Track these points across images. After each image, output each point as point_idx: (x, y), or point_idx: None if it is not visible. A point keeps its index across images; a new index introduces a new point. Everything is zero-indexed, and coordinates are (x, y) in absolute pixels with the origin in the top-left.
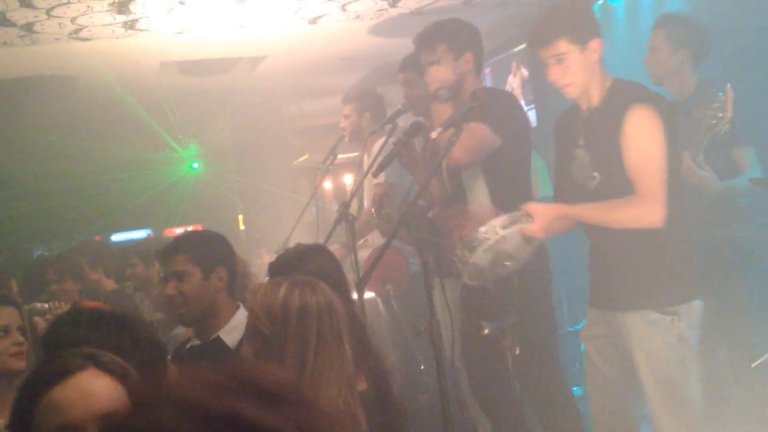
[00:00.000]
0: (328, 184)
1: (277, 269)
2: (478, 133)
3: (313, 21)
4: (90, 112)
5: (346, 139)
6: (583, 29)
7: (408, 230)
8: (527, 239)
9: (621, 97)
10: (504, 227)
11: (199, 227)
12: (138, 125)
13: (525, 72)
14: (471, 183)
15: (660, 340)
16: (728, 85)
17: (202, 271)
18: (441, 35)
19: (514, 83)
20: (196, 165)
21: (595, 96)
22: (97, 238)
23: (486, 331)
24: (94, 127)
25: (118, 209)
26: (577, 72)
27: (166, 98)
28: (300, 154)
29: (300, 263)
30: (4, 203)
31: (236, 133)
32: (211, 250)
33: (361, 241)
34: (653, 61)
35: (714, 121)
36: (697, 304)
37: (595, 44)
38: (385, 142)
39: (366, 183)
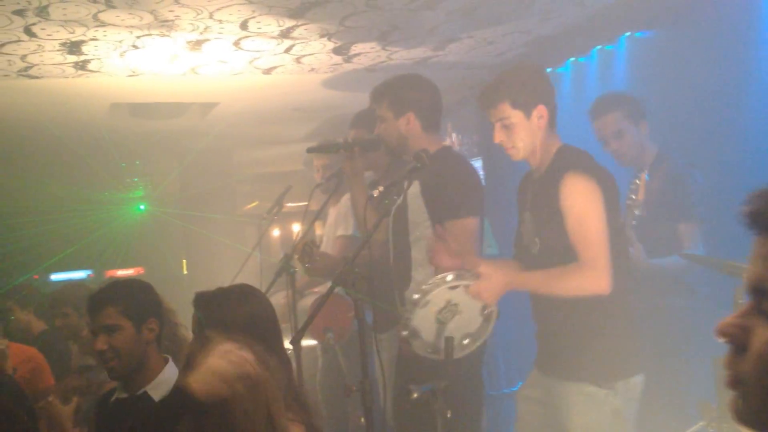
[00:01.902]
0: (276, 233)
1: (204, 311)
2: (470, 231)
3: (268, 71)
4: (37, 150)
5: (322, 189)
6: (527, 96)
7: (344, 288)
8: (487, 318)
9: (560, 164)
10: (449, 282)
11: (141, 270)
12: (85, 165)
13: (455, 136)
14: (418, 244)
15: (594, 414)
16: (644, 173)
17: (133, 323)
18: (385, 92)
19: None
20: (142, 207)
21: (543, 161)
22: (36, 277)
23: (414, 395)
24: (40, 165)
25: (60, 248)
26: (521, 136)
27: (115, 140)
28: (248, 202)
29: (228, 308)
30: None
31: (185, 177)
32: (142, 301)
33: (317, 288)
34: (623, 145)
35: (629, 203)
36: (637, 380)
37: (540, 110)
38: (329, 197)
39: (328, 234)
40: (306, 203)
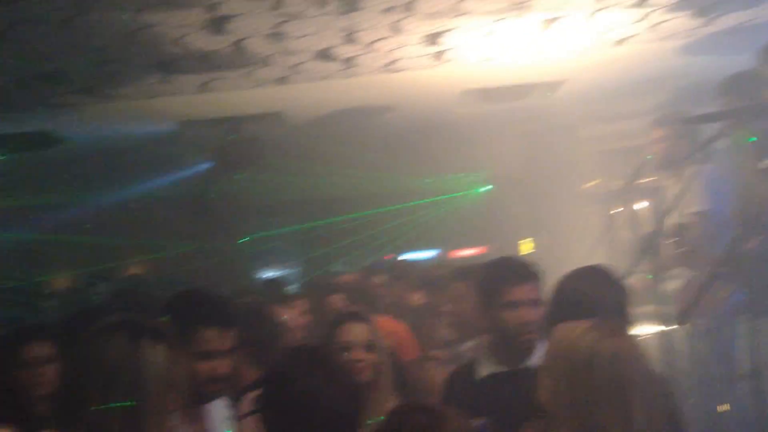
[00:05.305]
0: (625, 209)
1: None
2: None
3: (620, 43)
4: (387, 138)
5: (657, 165)
6: None
7: (730, 269)
8: None
9: None
10: None
11: (485, 250)
12: (434, 151)
13: None
14: None
15: None
16: None
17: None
18: None
19: None
20: (486, 187)
21: None
22: (389, 256)
23: None
24: (392, 153)
25: (409, 231)
26: None
27: (463, 124)
28: (591, 179)
29: (577, 290)
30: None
31: (529, 156)
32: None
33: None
34: None
35: None
36: None
37: None
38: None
39: (677, 210)
40: (655, 178)
